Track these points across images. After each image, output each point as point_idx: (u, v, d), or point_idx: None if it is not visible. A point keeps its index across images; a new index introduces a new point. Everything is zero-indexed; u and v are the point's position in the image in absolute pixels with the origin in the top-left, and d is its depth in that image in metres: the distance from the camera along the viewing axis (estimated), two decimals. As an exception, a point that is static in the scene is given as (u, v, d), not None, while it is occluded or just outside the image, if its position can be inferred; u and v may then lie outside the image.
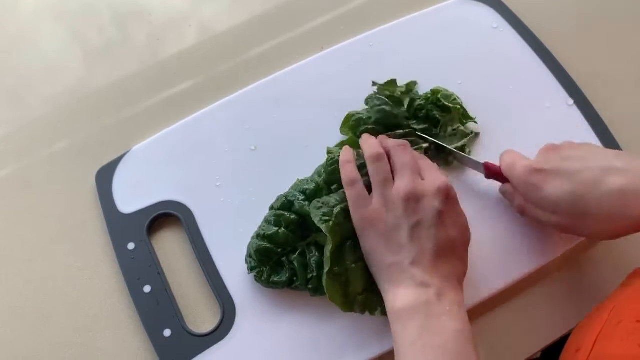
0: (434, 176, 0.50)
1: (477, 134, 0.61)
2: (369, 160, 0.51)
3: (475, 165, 0.57)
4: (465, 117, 0.61)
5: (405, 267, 0.46)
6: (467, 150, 0.60)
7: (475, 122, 0.61)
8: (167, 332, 0.52)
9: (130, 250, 0.56)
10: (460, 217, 0.50)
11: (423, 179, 0.50)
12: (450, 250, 0.48)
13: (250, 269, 0.53)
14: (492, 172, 0.55)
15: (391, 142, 0.53)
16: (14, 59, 0.69)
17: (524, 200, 0.52)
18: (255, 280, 0.53)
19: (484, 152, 0.60)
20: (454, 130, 0.60)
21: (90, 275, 0.56)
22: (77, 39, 0.70)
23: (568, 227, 0.49)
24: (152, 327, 0.53)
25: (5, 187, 0.61)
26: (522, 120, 0.62)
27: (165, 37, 0.70)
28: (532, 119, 0.62)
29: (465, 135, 0.60)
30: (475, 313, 0.54)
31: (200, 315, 0.54)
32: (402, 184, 0.49)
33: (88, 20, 0.71)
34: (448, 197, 0.48)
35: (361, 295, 0.50)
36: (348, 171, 0.51)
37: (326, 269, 0.50)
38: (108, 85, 0.67)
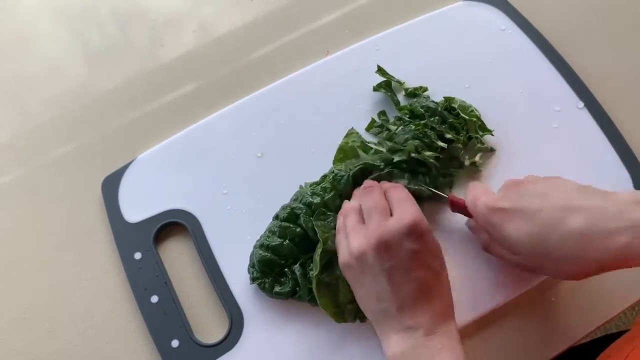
0: (402, 211, 0.47)
1: (493, 150, 0.60)
2: (340, 217, 0.51)
3: (440, 198, 0.55)
4: (482, 129, 0.60)
5: (392, 313, 0.45)
6: (480, 165, 0.59)
7: (492, 135, 0.60)
8: (175, 343, 0.52)
9: (137, 260, 0.55)
10: (436, 248, 0.47)
11: (393, 215, 0.48)
12: (435, 284, 0.46)
13: (253, 280, 0.53)
14: (456, 206, 0.53)
15: (361, 188, 0.53)
16: (16, 63, 0.69)
17: (489, 237, 0.50)
18: (260, 288, 0.53)
19: (493, 160, 0.60)
20: (469, 138, 0.59)
21: (97, 285, 0.56)
22: (80, 43, 0.70)
23: (530, 267, 0.47)
24: (159, 338, 0.52)
25: (11, 196, 0.60)
26: (531, 124, 0.61)
27: (168, 42, 0.69)
28: (541, 122, 0.61)
29: (480, 151, 0.59)
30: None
31: (208, 325, 0.54)
32: (370, 230, 0.46)
33: (90, 24, 0.71)
34: (419, 233, 0.45)
35: (351, 304, 0.51)
36: (339, 222, 0.51)
37: (315, 272, 0.50)
38: (112, 90, 0.66)
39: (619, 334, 0.67)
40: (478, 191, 0.50)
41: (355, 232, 0.48)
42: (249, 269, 0.54)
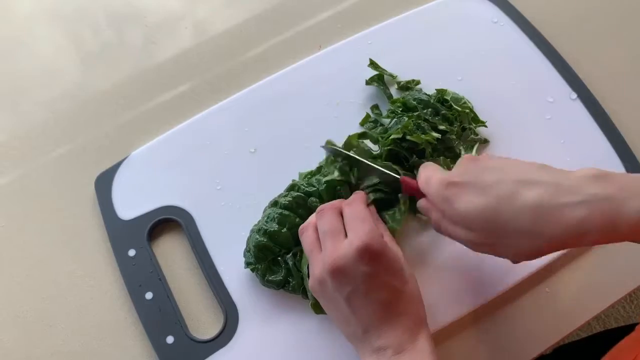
0: (353, 233, 0.46)
1: (486, 141, 0.60)
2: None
3: (393, 180, 0.53)
4: (475, 120, 0.60)
5: (360, 336, 0.45)
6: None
7: (486, 126, 0.60)
8: (170, 339, 0.52)
9: (131, 257, 0.55)
10: (395, 264, 0.46)
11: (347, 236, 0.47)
12: (398, 302, 0.45)
13: (247, 264, 0.53)
14: (409, 187, 0.51)
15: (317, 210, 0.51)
16: (9, 63, 0.68)
17: (441, 216, 0.47)
18: (252, 271, 0.53)
19: (486, 151, 0.60)
20: (463, 129, 0.59)
21: (91, 282, 0.56)
22: (72, 43, 0.70)
23: (482, 245, 0.45)
24: (154, 334, 0.52)
25: (4, 194, 0.60)
26: (524, 115, 0.61)
27: (161, 40, 0.69)
28: (534, 113, 0.61)
29: (474, 142, 0.59)
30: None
31: (202, 321, 0.54)
32: (325, 257, 0.46)
33: (83, 24, 0.71)
34: (371, 255, 0.44)
35: None
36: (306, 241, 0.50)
37: (304, 268, 0.50)
38: (105, 89, 0.66)
39: (618, 329, 0.68)
40: (430, 169, 0.49)
41: (314, 258, 0.47)
42: (244, 253, 0.54)
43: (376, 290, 0.44)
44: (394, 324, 0.44)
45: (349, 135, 0.58)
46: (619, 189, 0.40)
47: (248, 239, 0.54)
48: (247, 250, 0.54)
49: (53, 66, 0.68)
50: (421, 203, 0.50)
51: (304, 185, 0.54)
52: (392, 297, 0.45)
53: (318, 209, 0.50)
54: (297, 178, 0.57)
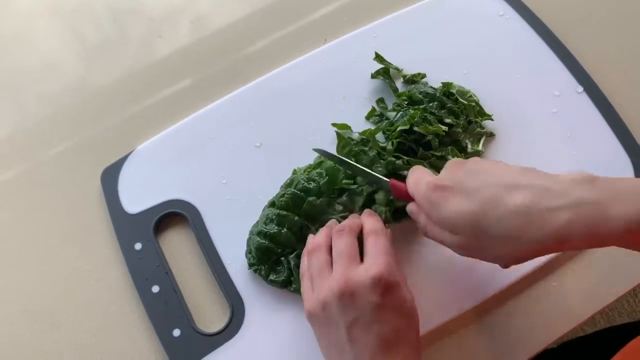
0: (372, 260, 0.45)
1: (492, 134, 0.60)
2: (306, 255, 0.50)
3: (382, 183, 0.52)
4: (481, 114, 0.60)
5: None
6: (483, 153, 0.58)
7: (492, 120, 0.60)
8: (177, 332, 0.52)
9: (138, 251, 0.55)
10: (406, 303, 0.45)
11: (363, 262, 0.46)
12: (398, 340, 0.44)
13: (250, 265, 0.53)
14: (397, 191, 0.51)
15: (335, 228, 0.50)
16: (12, 58, 0.68)
17: (428, 219, 0.47)
18: (257, 274, 0.53)
19: (492, 144, 0.59)
20: (469, 122, 0.59)
21: (97, 276, 0.56)
22: (76, 37, 0.70)
23: (468, 249, 0.45)
24: (161, 327, 0.52)
25: (10, 190, 0.60)
26: (530, 109, 0.61)
27: (166, 33, 0.69)
28: (540, 107, 0.61)
29: (480, 135, 0.59)
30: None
31: (209, 314, 0.54)
32: (335, 279, 0.45)
33: (87, 17, 0.71)
34: (387, 286, 0.43)
35: None
36: (304, 263, 0.50)
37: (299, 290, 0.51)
38: (110, 83, 0.66)
39: (624, 326, 0.68)
40: (419, 173, 0.48)
41: (321, 279, 0.46)
42: (246, 254, 0.54)
43: (383, 322, 0.43)
44: (396, 357, 0.43)
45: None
46: (605, 194, 0.39)
47: (248, 241, 0.54)
48: (248, 252, 0.54)
49: (57, 61, 0.68)
50: (410, 207, 0.50)
51: (303, 181, 0.54)
52: (394, 336, 0.43)
53: (337, 227, 0.49)
54: (297, 167, 0.57)
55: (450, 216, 0.44)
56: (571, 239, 0.40)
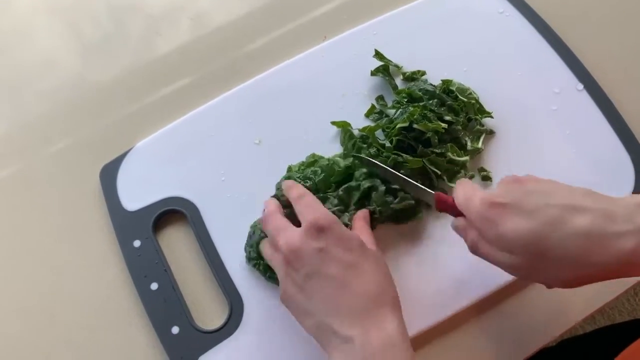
0: (303, 216, 0.46)
1: (492, 132, 0.59)
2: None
3: (426, 195, 0.52)
4: (481, 111, 0.60)
5: (324, 325, 0.43)
6: (482, 150, 0.58)
7: (492, 117, 0.60)
8: (175, 329, 0.52)
9: (136, 248, 0.55)
10: (350, 241, 0.45)
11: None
12: (354, 278, 0.44)
13: (248, 260, 0.53)
14: (444, 204, 0.49)
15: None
16: (11, 55, 0.68)
17: (480, 236, 0.45)
18: (255, 269, 0.53)
19: (492, 142, 0.59)
20: (468, 120, 0.59)
21: (96, 273, 0.56)
22: (75, 34, 0.70)
23: (524, 270, 0.43)
24: (159, 325, 0.52)
25: (9, 186, 0.60)
26: (530, 106, 0.61)
27: (165, 30, 0.69)
28: (541, 104, 0.61)
29: (480, 133, 0.59)
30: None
31: (208, 312, 0.54)
32: (281, 251, 0.46)
33: (86, 14, 0.71)
34: (319, 228, 0.44)
35: None
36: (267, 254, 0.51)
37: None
38: (109, 80, 0.66)
39: (624, 324, 0.67)
40: (469, 188, 0.47)
41: (276, 264, 0.48)
42: (245, 248, 0.54)
43: (332, 264, 0.44)
44: (361, 299, 0.43)
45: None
46: None
47: (251, 235, 0.54)
48: (249, 246, 0.54)
49: (56, 58, 0.68)
50: (457, 222, 0.48)
51: (299, 179, 0.54)
52: (346, 273, 0.44)
53: (261, 218, 0.51)
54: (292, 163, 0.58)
55: (508, 235, 0.42)
56: (635, 265, 0.39)
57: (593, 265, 0.40)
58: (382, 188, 0.54)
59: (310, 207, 0.47)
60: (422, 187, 0.52)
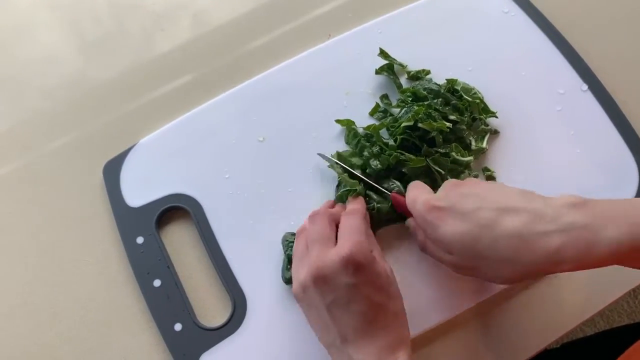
0: (342, 241, 0.46)
1: (497, 131, 0.59)
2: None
3: (385, 195, 0.54)
4: (485, 111, 0.59)
5: (339, 346, 0.44)
6: (487, 150, 0.58)
7: (496, 117, 0.59)
8: (178, 327, 0.52)
9: (139, 244, 0.55)
10: (380, 279, 0.45)
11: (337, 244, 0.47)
12: (379, 317, 0.44)
13: (287, 281, 0.53)
14: (398, 204, 0.52)
15: (310, 214, 0.51)
16: (14, 51, 0.68)
17: (425, 237, 0.49)
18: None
19: (496, 142, 0.59)
20: (473, 119, 0.58)
21: (99, 270, 0.56)
22: (79, 30, 0.69)
23: (464, 269, 0.46)
24: (162, 322, 0.52)
25: (12, 182, 0.60)
26: (534, 106, 0.61)
27: (169, 27, 0.69)
28: (545, 105, 0.61)
29: (484, 133, 0.59)
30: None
31: (211, 309, 0.54)
32: (308, 264, 0.46)
33: (90, 11, 0.70)
34: (356, 266, 0.44)
35: None
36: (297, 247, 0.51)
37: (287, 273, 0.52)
38: (113, 76, 0.66)
39: (625, 328, 0.67)
40: (418, 190, 0.49)
41: (300, 262, 0.48)
42: (284, 272, 0.54)
43: (358, 302, 0.44)
44: (373, 339, 0.44)
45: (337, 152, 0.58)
46: (596, 217, 0.41)
47: (286, 252, 0.54)
48: (286, 269, 0.53)
49: (59, 54, 0.68)
50: (409, 222, 0.53)
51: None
52: (374, 312, 0.44)
53: (310, 213, 0.51)
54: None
55: (445, 237, 0.45)
56: (563, 262, 0.41)
57: (525, 263, 0.42)
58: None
59: (351, 236, 0.46)
60: (380, 188, 0.54)
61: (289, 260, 0.53)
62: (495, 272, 0.44)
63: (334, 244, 0.47)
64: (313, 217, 0.50)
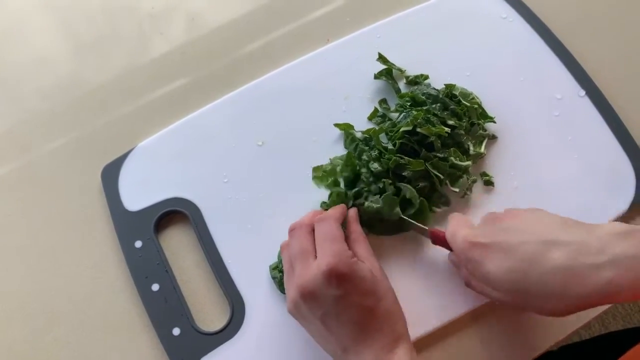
0: (321, 255, 0.46)
1: (495, 137, 0.60)
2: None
3: (421, 231, 0.53)
4: (483, 116, 0.60)
5: (340, 355, 0.45)
6: (484, 155, 0.58)
7: (494, 122, 0.60)
8: (176, 331, 0.52)
9: (138, 248, 0.55)
10: (365, 282, 0.45)
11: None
12: (372, 320, 0.44)
13: (279, 286, 0.53)
14: (437, 239, 0.51)
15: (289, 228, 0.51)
16: (11, 52, 0.68)
17: (469, 273, 0.47)
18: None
19: (494, 147, 0.60)
20: (471, 124, 0.59)
21: (97, 273, 0.56)
22: (76, 32, 0.69)
23: (512, 304, 0.45)
24: (160, 326, 0.52)
25: (10, 185, 0.60)
26: (532, 112, 0.61)
27: (167, 30, 0.69)
28: (542, 110, 0.61)
29: (483, 138, 0.59)
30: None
31: (209, 314, 0.54)
32: (294, 282, 0.46)
33: (87, 13, 0.70)
34: (339, 277, 0.44)
35: None
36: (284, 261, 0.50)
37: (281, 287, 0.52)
38: (111, 80, 0.66)
39: (623, 332, 0.68)
40: (456, 223, 0.49)
41: (289, 280, 0.48)
42: (274, 273, 0.54)
43: (348, 311, 0.44)
44: (370, 343, 0.44)
45: None
46: None
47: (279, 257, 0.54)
48: (277, 270, 0.54)
49: (56, 56, 0.68)
50: (451, 257, 0.51)
51: None
52: (365, 317, 0.44)
53: (290, 227, 0.50)
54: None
55: (490, 275, 0.44)
56: (617, 293, 0.40)
57: (575, 297, 0.41)
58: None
59: (327, 246, 0.46)
60: (418, 224, 0.53)
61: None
62: (544, 306, 0.43)
63: (315, 256, 0.47)
64: (292, 232, 0.49)
